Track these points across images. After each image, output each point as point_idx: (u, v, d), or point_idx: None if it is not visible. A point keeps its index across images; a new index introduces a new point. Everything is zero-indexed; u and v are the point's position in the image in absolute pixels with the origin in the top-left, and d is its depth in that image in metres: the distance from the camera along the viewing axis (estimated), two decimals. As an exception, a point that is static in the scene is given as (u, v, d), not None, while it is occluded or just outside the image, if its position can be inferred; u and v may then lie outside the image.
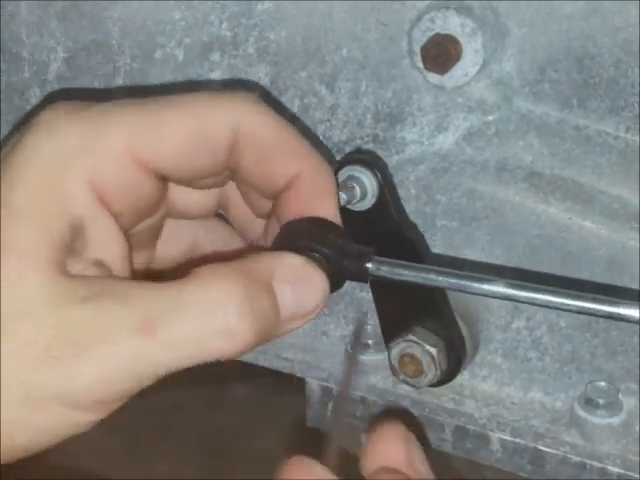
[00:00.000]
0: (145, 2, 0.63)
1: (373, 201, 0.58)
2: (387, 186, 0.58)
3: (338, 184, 0.57)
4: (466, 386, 0.64)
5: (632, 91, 0.57)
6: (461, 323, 0.61)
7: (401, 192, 0.61)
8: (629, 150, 0.58)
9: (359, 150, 0.62)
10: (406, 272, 0.49)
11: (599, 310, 0.46)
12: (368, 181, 0.57)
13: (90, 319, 0.42)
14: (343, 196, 0.56)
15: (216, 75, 0.64)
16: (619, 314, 0.46)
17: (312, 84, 0.62)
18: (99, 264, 0.45)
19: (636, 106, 0.57)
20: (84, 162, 0.45)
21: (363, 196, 0.57)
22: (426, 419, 0.64)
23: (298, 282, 0.46)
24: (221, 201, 0.53)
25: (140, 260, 0.51)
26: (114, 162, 0.45)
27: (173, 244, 0.53)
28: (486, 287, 0.48)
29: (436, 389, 0.63)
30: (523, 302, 0.48)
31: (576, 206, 0.58)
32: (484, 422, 0.63)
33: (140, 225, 0.49)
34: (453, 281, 0.48)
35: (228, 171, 0.50)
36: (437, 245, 0.62)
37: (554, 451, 0.61)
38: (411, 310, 0.55)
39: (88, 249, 0.45)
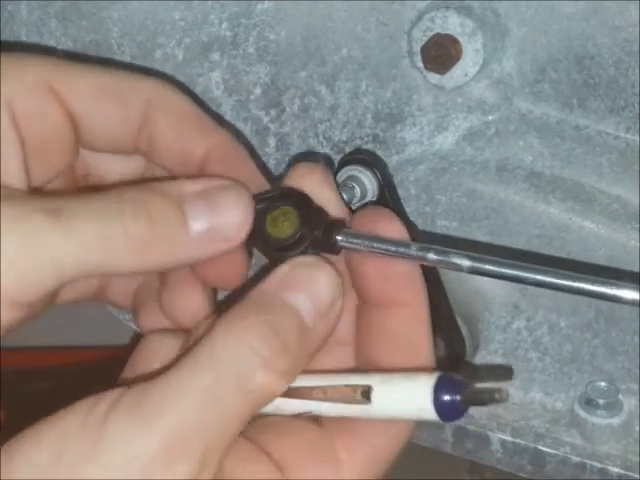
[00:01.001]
0: (145, 2, 0.63)
1: (373, 201, 0.58)
2: (387, 186, 0.58)
3: (338, 184, 0.57)
4: (466, 386, 0.64)
5: (632, 91, 0.57)
6: (461, 323, 0.61)
7: (401, 192, 0.61)
8: (629, 150, 0.58)
9: (359, 150, 0.62)
10: (376, 244, 0.47)
11: (588, 290, 0.46)
12: (368, 181, 0.57)
13: None
14: (343, 196, 0.56)
15: (216, 75, 0.64)
16: (609, 294, 0.45)
17: (312, 84, 0.62)
18: None
19: (636, 106, 0.57)
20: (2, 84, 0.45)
21: (363, 196, 0.57)
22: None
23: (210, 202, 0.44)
24: None
25: None
26: (28, 84, 0.46)
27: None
28: (459, 261, 0.47)
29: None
30: (500, 278, 0.47)
31: (576, 206, 0.58)
32: (484, 422, 0.63)
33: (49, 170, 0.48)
34: (426, 255, 0.47)
35: (144, 161, 0.49)
36: (437, 245, 0.62)
37: (554, 451, 0.61)
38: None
39: None
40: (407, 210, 0.61)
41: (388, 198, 0.58)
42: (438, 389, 0.42)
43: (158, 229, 0.42)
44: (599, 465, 0.60)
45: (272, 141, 0.64)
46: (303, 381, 0.45)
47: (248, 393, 0.41)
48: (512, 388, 0.64)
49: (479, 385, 0.42)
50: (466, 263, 0.46)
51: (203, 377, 0.41)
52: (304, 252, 0.47)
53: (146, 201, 0.42)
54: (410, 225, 0.61)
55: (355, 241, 0.47)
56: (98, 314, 0.76)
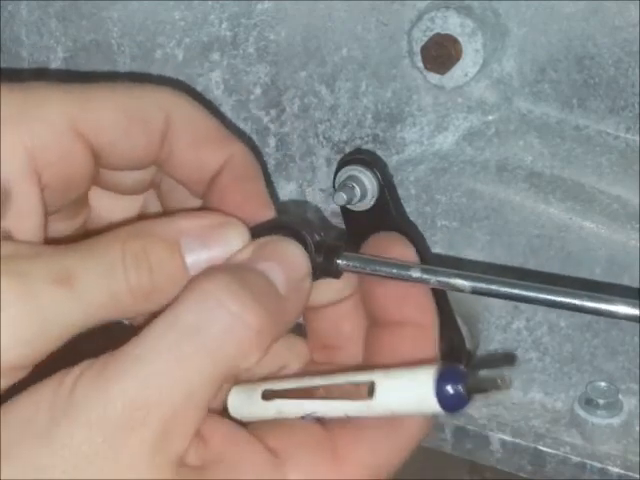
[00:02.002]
0: (145, 2, 0.63)
1: (373, 201, 0.58)
2: (387, 186, 0.58)
3: (338, 184, 0.58)
4: (466, 386, 0.64)
5: (632, 91, 0.57)
6: (461, 323, 0.61)
7: (401, 192, 0.61)
8: (629, 150, 0.58)
9: (359, 150, 0.62)
10: (377, 267, 0.47)
11: (584, 306, 0.46)
12: (368, 181, 0.57)
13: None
14: (343, 196, 0.56)
15: (216, 75, 0.64)
16: (601, 309, 0.45)
17: (312, 84, 0.62)
18: (7, 237, 0.43)
19: (636, 106, 0.57)
20: (21, 127, 0.44)
21: (363, 196, 0.57)
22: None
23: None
24: (141, 213, 0.52)
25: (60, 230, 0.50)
26: (51, 129, 0.45)
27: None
28: (461, 282, 0.47)
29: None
30: (502, 298, 0.47)
31: (576, 206, 0.58)
32: (484, 422, 0.63)
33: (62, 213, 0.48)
34: (426, 276, 0.47)
35: (155, 168, 0.49)
36: (437, 245, 0.62)
37: (554, 451, 0.61)
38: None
39: (6, 216, 0.43)
40: (407, 210, 0.61)
41: (388, 198, 0.58)
42: (440, 379, 0.42)
43: (158, 278, 0.42)
44: (599, 465, 0.60)
45: (272, 141, 0.64)
46: (306, 382, 0.45)
47: (217, 352, 0.40)
48: (512, 388, 0.64)
49: (481, 373, 0.42)
50: (467, 285, 0.46)
51: (165, 337, 0.40)
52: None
53: (146, 251, 0.42)
54: (410, 225, 0.61)
55: (356, 264, 0.48)
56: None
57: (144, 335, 0.41)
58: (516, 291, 0.46)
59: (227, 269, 0.43)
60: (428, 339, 0.48)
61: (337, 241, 0.48)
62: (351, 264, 0.47)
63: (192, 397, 0.40)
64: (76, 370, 0.40)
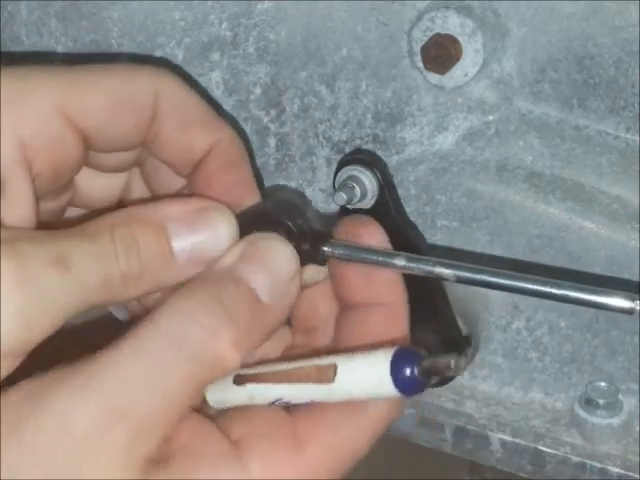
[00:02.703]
0: (145, 2, 0.63)
1: (373, 201, 0.58)
2: (387, 186, 0.58)
3: (338, 184, 0.57)
4: (466, 386, 0.64)
5: (632, 91, 0.57)
6: (461, 323, 0.61)
7: (401, 192, 0.61)
8: (629, 150, 0.58)
9: (359, 150, 0.62)
10: (363, 254, 0.48)
11: (576, 297, 0.46)
12: (368, 181, 0.57)
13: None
14: (343, 196, 0.56)
15: (216, 75, 0.64)
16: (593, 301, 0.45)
17: (312, 84, 0.62)
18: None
19: (636, 106, 0.57)
20: (11, 114, 0.44)
21: (363, 196, 0.57)
22: (426, 419, 0.64)
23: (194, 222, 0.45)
24: (124, 190, 0.52)
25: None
26: (41, 116, 0.45)
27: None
28: (445, 271, 0.47)
29: (436, 389, 0.63)
30: (487, 287, 0.47)
31: (576, 206, 0.58)
32: (484, 422, 0.63)
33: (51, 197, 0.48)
34: (411, 264, 0.47)
35: (141, 148, 0.49)
36: (437, 245, 0.62)
37: (554, 451, 0.61)
38: (411, 310, 0.55)
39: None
40: (407, 210, 0.61)
41: (388, 198, 0.58)
42: (395, 361, 0.42)
43: (146, 262, 0.43)
44: (599, 465, 0.60)
45: (272, 141, 0.64)
46: (276, 366, 0.45)
47: (193, 362, 0.41)
48: (512, 388, 0.64)
49: (436, 356, 0.42)
50: (451, 273, 0.47)
51: (143, 346, 0.41)
52: None
53: (134, 236, 0.43)
54: (410, 225, 0.61)
55: (341, 251, 0.48)
56: (97, 314, 0.76)
57: (123, 342, 0.41)
58: (501, 280, 0.46)
59: (206, 283, 0.43)
60: (397, 319, 0.48)
61: (323, 228, 0.48)
62: (337, 251, 0.48)
63: (169, 402, 0.41)
64: (49, 374, 0.41)
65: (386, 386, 0.42)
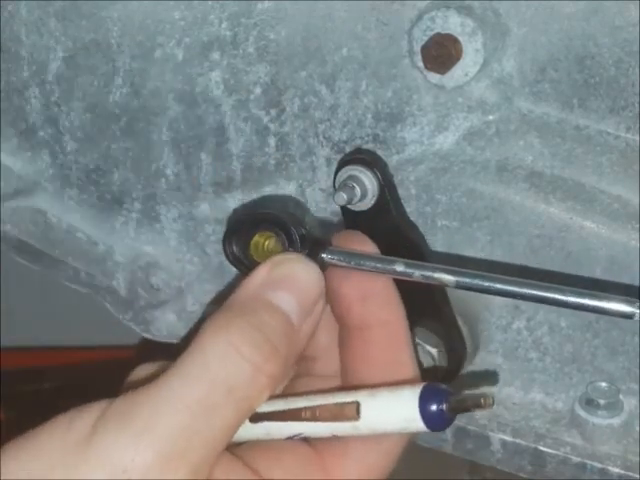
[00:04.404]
0: (144, 2, 0.63)
1: (373, 201, 0.58)
2: (387, 186, 0.58)
3: (338, 184, 0.57)
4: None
5: (632, 91, 0.57)
6: (461, 323, 0.61)
7: (401, 192, 0.61)
8: (629, 150, 0.58)
9: (359, 150, 0.62)
10: (362, 262, 0.48)
11: (576, 302, 0.46)
12: (368, 181, 0.57)
13: None
14: (343, 196, 0.56)
15: (216, 75, 0.64)
16: (598, 307, 0.46)
17: (312, 84, 0.62)
18: None
19: (636, 106, 0.57)
20: None
21: (363, 196, 0.57)
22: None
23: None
24: None
25: None
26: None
27: None
28: (445, 276, 0.47)
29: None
30: (486, 292, 0.47)
31: (577, 206, 0.58)
32: (484, 423, 0.62)
33: None
34: (410, 270, 0.48)
35: None
36: (437, 245, 0.62)
37: (555, 452, 0.61)
38: (411, 311, 0.55)
39: None
40: (407, 210, 0.61)
41: (388, 198, 0.58)
42: (424, 399, 0.42)
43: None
44: (599, 465, 0.60)
45: (272, 141, 0.64)
46: (291, 403, 0.45)
47: (239, 402, 0.42)
48: (513, 388, 0.64)
49: (464, 392, 0.43)
50: (451, 279, 0.47)
51: (195, 388, 0.41)
52: None
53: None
54: (410, 225, 0.61)
55: (341, 259, 0.48)
56: (98, 314, 0.76)
57: (169, 382, 0.41)
58: (501, 286, 0.47)
59: (240, 310, 0.44)
60: (398, 338, 0.49)
61: (322, 235, 0.48)
62: (336, 258, 0.48)
63: (217, 442, 0.42)
64: (92, 412, 0.41)
65: (415, 423, 0.42)
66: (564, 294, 0.46)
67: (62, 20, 0.66)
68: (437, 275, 0.47)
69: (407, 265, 0.48)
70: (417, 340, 0.58)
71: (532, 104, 0.59)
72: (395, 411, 0.43)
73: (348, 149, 0.62)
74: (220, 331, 0.42)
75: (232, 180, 0.66)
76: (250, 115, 0.64)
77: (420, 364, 0.58)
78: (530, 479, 0.62)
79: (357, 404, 0.43)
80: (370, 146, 0.62)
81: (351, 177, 0.57)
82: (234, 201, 0.67)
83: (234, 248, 0.49)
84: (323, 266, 0.48)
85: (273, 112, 0.63)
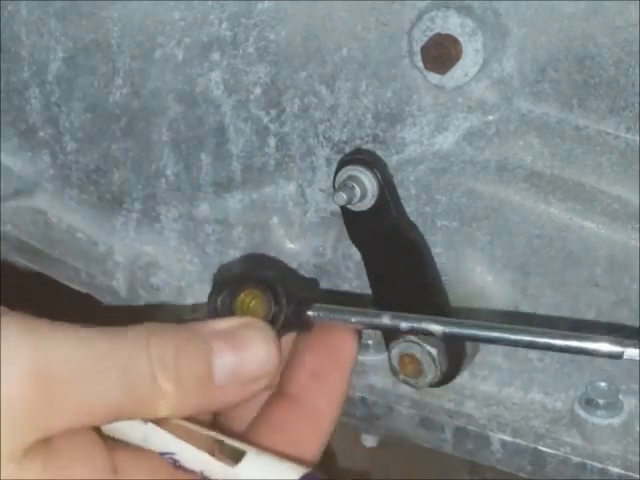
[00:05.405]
0: (144, 2, 0.63)
1: (373, 201, 0.58)
2: (387, 186, 0.58)
3: (338, 184, 0.57)
4: (466, 386, 0.64)
5: (632, 91, 0.57)
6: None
7: (401, 192, 0.61)
8: (629, 150, 0.58)
9: (359, 150, 0.62)
10: (347, 317, 0.49)
11: (562, 345, 0.47)
12: (368, 181, 0.57)
13: None
14: (343, 196, 0.56)
15: (216, 75, 0.64)
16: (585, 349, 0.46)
17: (312, 84, 0.62)
18: None
19: (636, 106, 0.57)
20: None
21: (363, 196, 0.57)
22: (426, 420, 0.64)
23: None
24: None
25: None
26: None
27: None
28: (432, 326, 0.48)
29: (436, 389, 0.63)
30: (474, 341, 0.48)
31: (577, 206, 0.58)
32: (484, 423, 0.62)
33: None
34: (399, 323, 0.48)
35: None
36: (437, 245, 0.62)
37: (554, 452, 0.61)
38: (412, 311, 0.55)
39: None
40: (407, 210, 0.61)
41: (388, 198, 0.58)
42: None
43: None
44: (599, 465, 0.60)
45: (272, 141, 0.64)
46: (179, 421, 0.45)
47: (126, 387, 0.41)
48: (512, 388, 0.64)
49: None
50: (439, 328, 0.47)
51: (93, 347, 0.41)
52: (280, 332, 0.48)
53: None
54: (410, 225, 0.61)
55: (327, 315, 0.48)
56: (97, 312, 0.76)
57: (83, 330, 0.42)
58: (488, 333, 0.47)
59: (184, 332, 0.44)
60: (320, 431, 0.49)
61: (309, 291, 0.49)
62: (322, 314, 0.48)
63: (86, 412, 0.42)
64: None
65: None
66: (552, 338, 0.47)
67: (62, 20, 0.66)
68: (424, 325, 0.48)
69: (393, 317, 0.48)
70: (417, 340, 0.58)
71: (532, 104, 0.59)
72: (269, 478, 0.44)
73: (348, 149, 0.62)
74: (154, 329, 0.43)
75: (232, 180, 0.66)
76: (250, 115, 0.64)
77: (420, 363, 0.59)
78: (530, 479, 0.62)
79: (242, 452, 0.44)
80: (370, 146, 0.62)
81: (351, 177, 0.57)
82: (234, 201, 0.67)
83: (218, 305, 0.49)
84: (309, 324, 0.49)
85: (273, 112, 0.63)
